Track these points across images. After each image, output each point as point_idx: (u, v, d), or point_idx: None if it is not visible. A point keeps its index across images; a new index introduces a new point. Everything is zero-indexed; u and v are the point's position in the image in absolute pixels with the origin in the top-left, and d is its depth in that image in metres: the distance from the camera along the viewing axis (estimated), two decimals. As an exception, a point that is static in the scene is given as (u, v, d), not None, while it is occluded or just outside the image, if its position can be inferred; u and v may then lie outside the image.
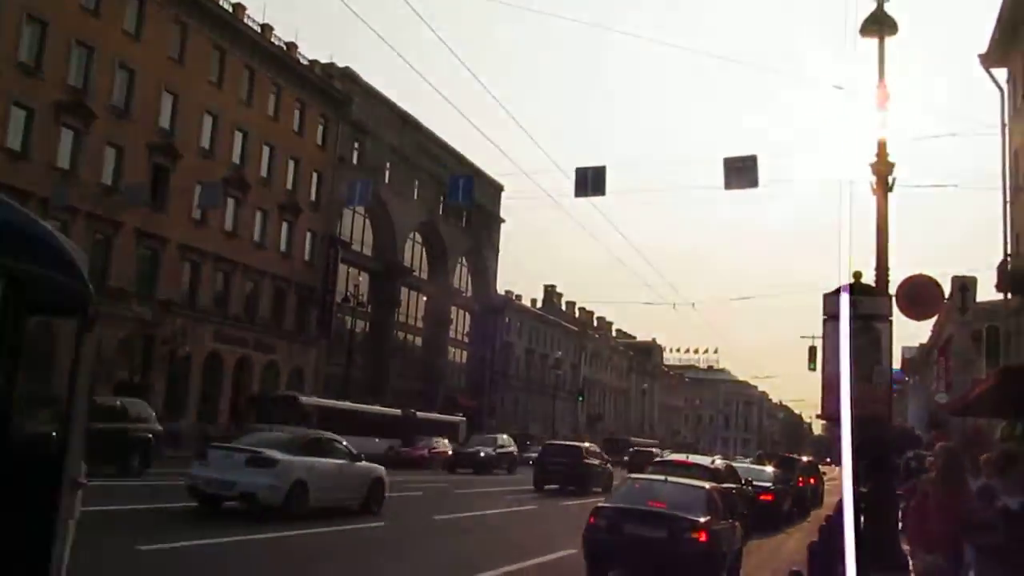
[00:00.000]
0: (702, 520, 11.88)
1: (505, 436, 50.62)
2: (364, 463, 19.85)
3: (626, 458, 50.40)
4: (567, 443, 39.02)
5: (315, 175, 52.31)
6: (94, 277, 7.07)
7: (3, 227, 6.36)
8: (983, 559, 8.06)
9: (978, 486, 8.49)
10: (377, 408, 45.61)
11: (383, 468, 20.68)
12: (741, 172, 17.37)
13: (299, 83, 50.60)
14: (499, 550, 15.46)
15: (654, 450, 52.50)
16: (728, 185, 17.39)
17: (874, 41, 12.62)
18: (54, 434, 6.94)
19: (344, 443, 19.94)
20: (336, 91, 53.79)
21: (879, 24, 12.30)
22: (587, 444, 38.32)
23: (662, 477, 14.08)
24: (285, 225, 50.05)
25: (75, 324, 7.02)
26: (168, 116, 41.48)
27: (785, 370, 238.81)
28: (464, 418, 56.51)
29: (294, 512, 16.45)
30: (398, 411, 47.37)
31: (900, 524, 15.39)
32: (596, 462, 34.33)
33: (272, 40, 48.77)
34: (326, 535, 15.67)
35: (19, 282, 6.32)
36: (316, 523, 16.20)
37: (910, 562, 11.67)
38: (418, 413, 49.94)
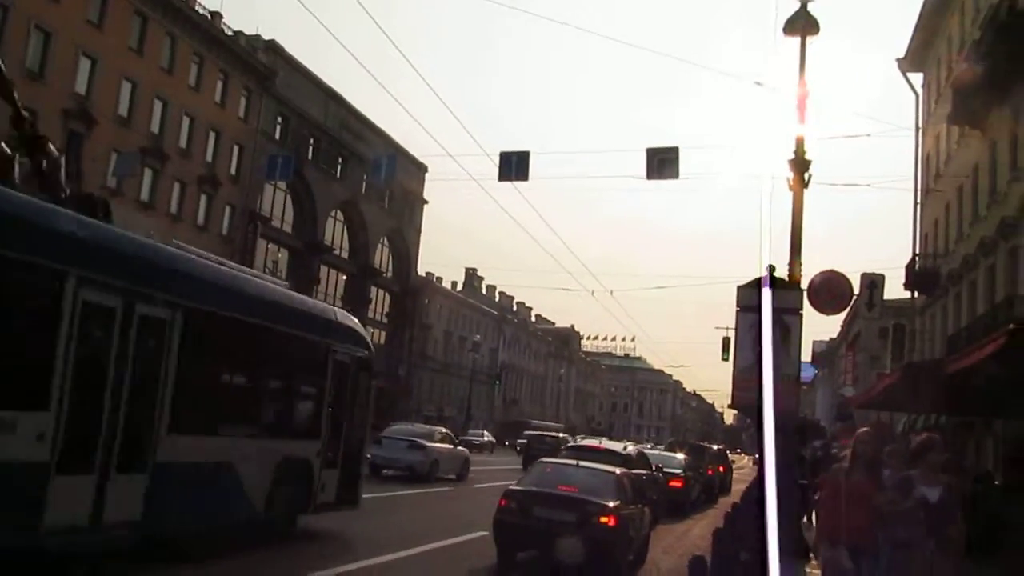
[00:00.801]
0: (611, 505, 12.04)
1: None
2: (460, 448, 30.42)
3: (519, 444, 50.26)
4: (548, 433, 49.07)
5: (236, 148, 51.27)
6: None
7: (357, 333, 14.90)
8: (897, 552, 8.04)
9: (897, 477, 8.42)
10: None
11: (468, 451, 32.08)
12: (663, 163, 17.55)
13: (223, 54, 49.48)
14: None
15: (560, 435, 47.68)
16: (650, 175, 17.56)
17: (796, 40, 12.85)
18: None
19: (451, 433, 30.97)
20: (260, 64, 52.76)
21: (802, 23, 12.51)
22: (562, 434, 48.66)
23: (573, 462, 14.22)
24: (204, 198, 48.98)
25: (367, 375, 14.95)
26: (85, 81, 40.12)
27: (699, 360, 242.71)
28: None
29: (431, 479, 26.03)
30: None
31: (804, 516, 15.78)
32: None
33: (196, 8, 47.65)
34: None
35: (360, 360, 14.66)
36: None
37: (810, 551, 11.98)
38: None
